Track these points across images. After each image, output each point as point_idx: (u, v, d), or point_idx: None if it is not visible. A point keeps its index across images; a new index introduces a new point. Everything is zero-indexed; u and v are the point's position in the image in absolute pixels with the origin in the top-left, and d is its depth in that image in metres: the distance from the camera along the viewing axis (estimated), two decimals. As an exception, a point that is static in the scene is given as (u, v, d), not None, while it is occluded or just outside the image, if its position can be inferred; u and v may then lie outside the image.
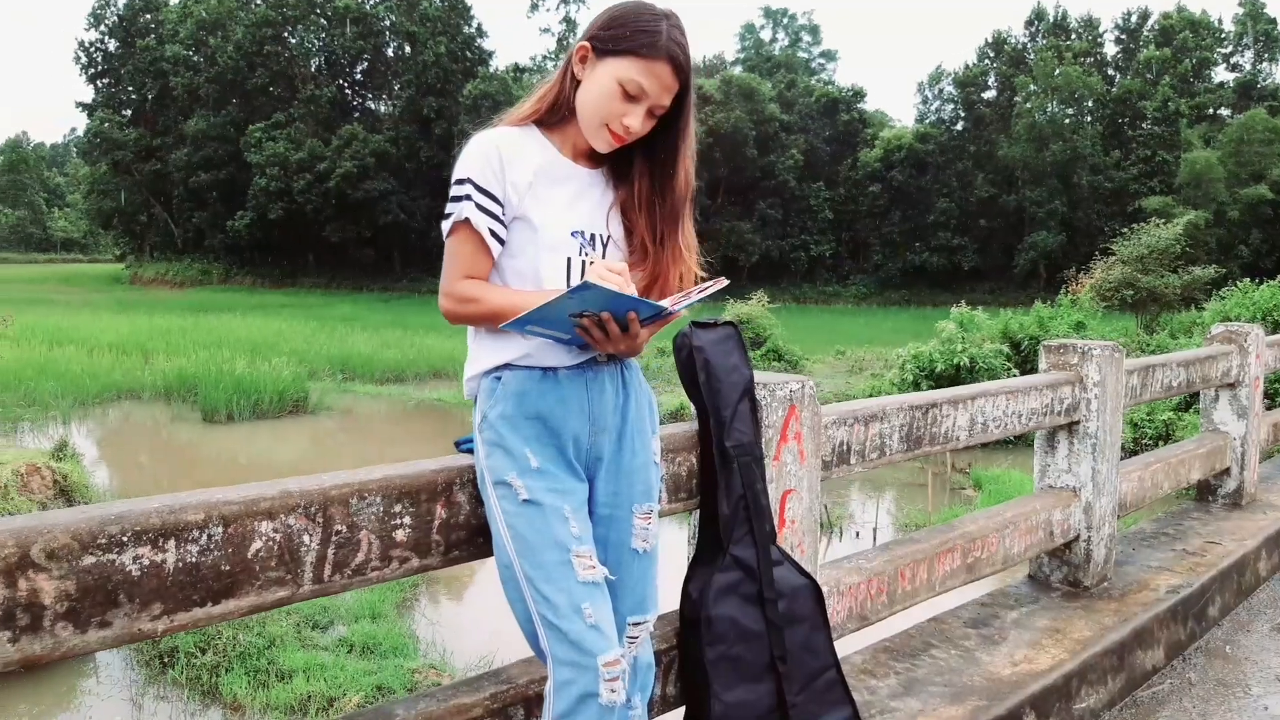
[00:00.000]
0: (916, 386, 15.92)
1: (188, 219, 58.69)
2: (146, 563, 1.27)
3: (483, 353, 1.65)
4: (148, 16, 60.91)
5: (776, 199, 52.08)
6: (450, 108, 52.01)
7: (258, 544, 1.37)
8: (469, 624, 8.85)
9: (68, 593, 1.21)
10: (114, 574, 1.24)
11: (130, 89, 61.61)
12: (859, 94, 56.10)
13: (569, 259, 1.63)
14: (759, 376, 2.08)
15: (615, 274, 1.52)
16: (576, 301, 1.44)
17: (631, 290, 1.52)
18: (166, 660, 8.09)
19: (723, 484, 1.95)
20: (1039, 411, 2.99)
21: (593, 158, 1.71)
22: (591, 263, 1.62)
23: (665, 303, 1.55)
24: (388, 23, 56.81)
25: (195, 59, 56.47)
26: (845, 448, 2.33)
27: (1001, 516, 2.89)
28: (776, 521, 2.07)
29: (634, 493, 1.67)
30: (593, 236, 1.67)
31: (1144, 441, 13.02)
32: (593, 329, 1.51)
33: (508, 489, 1.54)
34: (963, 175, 51.26)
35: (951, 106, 54.44)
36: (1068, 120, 47.40)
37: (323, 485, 1.44)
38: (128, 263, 65.69)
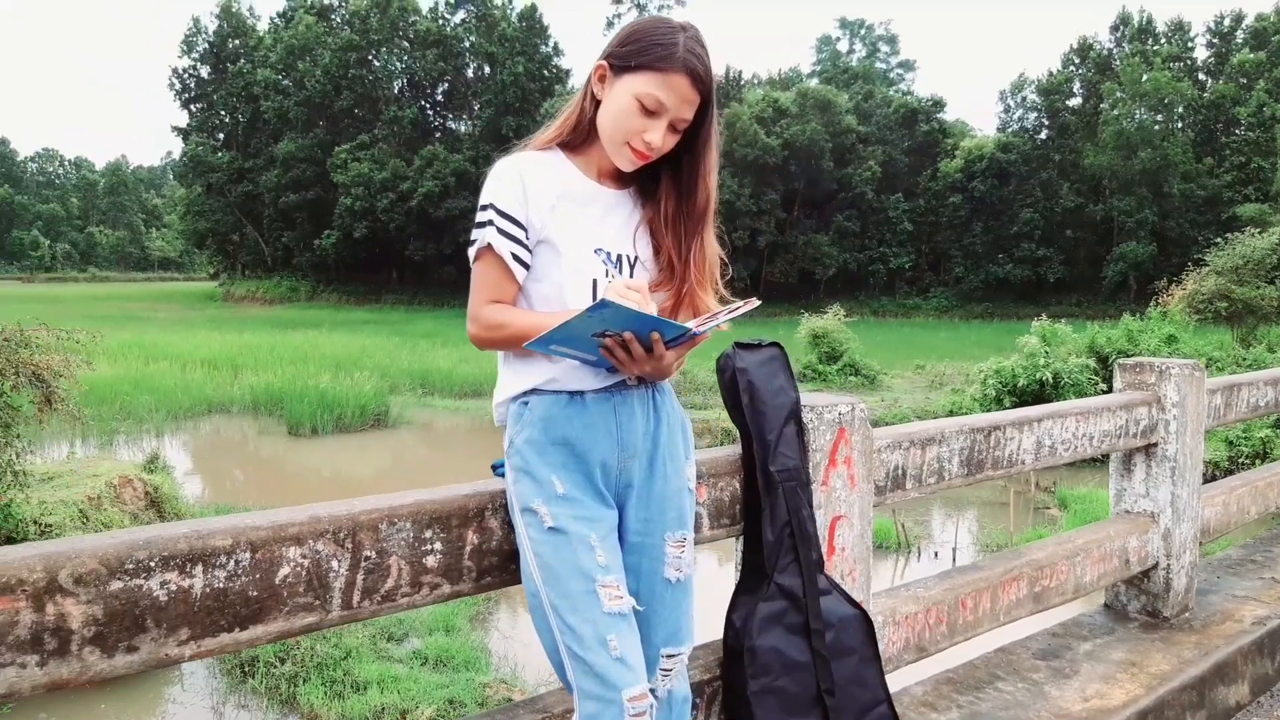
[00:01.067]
0: (999, 402, 15.51)
1: (277, 238, 60.61)
2: (174, 588, 1.28)
3: (510, 378, 1.63)
4: (236, 42, 63.23)
5: (854, 211, 51.48)
6: (529, 126, 52.65)
7: (285, 570, 1.37)
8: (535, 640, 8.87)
9: (95, 617, 1.22)
10: (141, 599, 1.25)
11: (223, 113, 64.00)
12: (938, 104, 55.20)
13: (594, 280, 1.61)
14: (806, 399, 2.02)
15: (633, 291, 1.48)
16: (596, 320, 1.41)
17: (651, 309, 1.49)
18: (247, 669, 8.30)
19: (767, 510, 1.90)
20: (1112, 434, 2.86)
21: (619, 178, 1.69)
22: (611, 281, 1.59)
23: (691, 324, 1.51)
24: (467, 44, 57.98)
25: (285, 83, 58.37)
26: (900, 472, 2.25)
27: (1072, 543, 2.77)
28: (825, 549, 2.01)
29: (666, 520, 1.63)
30: (619, 257, 1.64)
31: (1240, 460, 12.46)
32: (616, 349, 1.48)
33: (534, 516, 1.52)
34: (1047, 185, 49.99)
35: (1035, 115, 53.17)
36: (1157, 127, 45.92)
37: (352, 511, 1.44)
38: (221, 281, 68.08)
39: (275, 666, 8.12)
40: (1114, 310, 33.79)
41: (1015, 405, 14.61)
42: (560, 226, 1.60)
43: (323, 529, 1.40)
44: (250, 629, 1.34)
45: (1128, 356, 3.41)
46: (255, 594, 1.34)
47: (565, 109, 1.69)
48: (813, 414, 1.98)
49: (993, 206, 50.29)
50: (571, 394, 1.58)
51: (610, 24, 56.22)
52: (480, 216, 1.59)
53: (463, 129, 59.84)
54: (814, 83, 59.02)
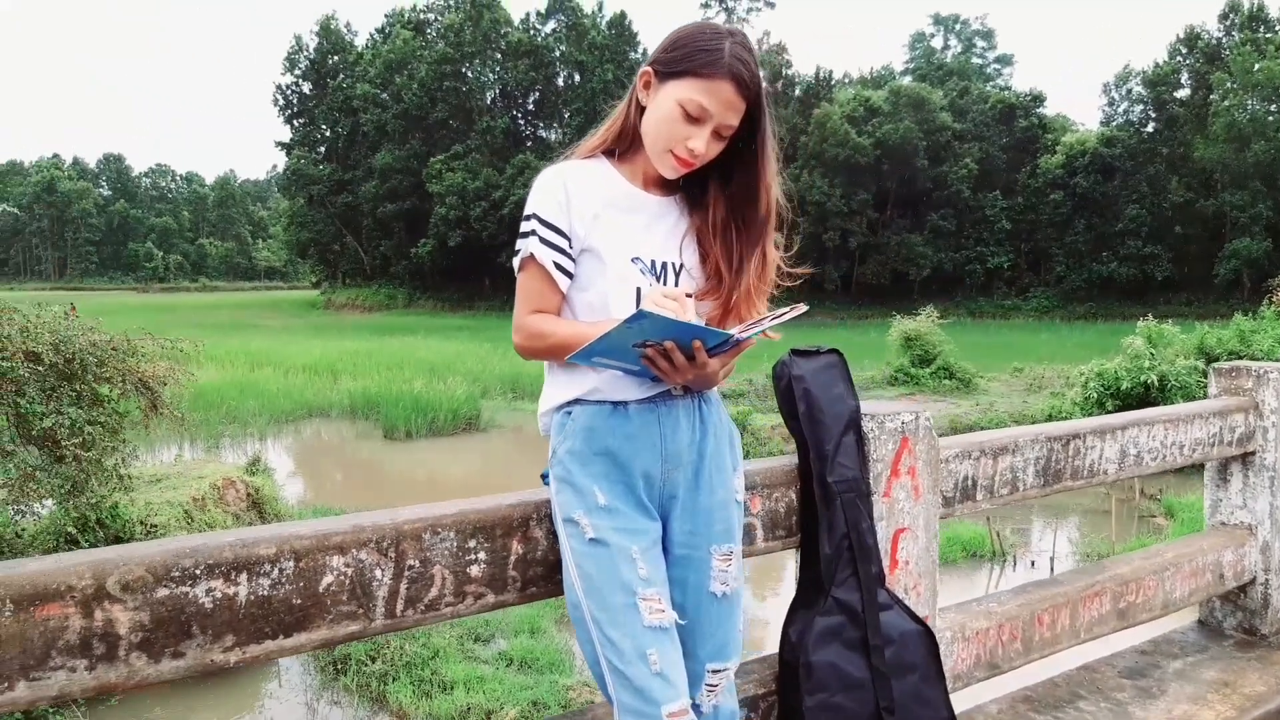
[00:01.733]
0: (1100, 406, 14.94)
1: (375, 247, 62.35)
2: (219, 595, 1.30)
3: (555, 388, 1.62)
4: (335, 58, 65.27)
5: (949, 210, 50.31)
6: (617, 132, 53.12)
7: (329, 578, 1.38)
8: None
9: (142, 624, 1.25)
10: (187, 606, 1.28)
11: (323, 127, 66.16)
12: (1038, 98, 53.55)
13: (639, 289, 1.59)
14: (867, 407, 1.96)
15: (670, 300, 1.46)
16: (635, 330, 1.39)
17: (690, 317, 1.46)
18: (339, 667, 8.53)
19: (824, 522, 1.85)
20: (1205, 442, 2.70)
21: (665, 185, 1.66)
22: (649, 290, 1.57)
23: (733, 330, 1.48)
24: (558, 53, 58.69)
25: (382, 97, 60.03)
26: (970, 483, 2.17)
27: (1161, 557, 2.63)
28: (888, 562, 1.95)
29: (712, 533, 1.59)
30: (664, 265, 1.61)
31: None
32: (658, 359, 1.46)
33: (575, 527, 1.51)
34: (1154, 180, 48.03)
35: (1141, 107, 51.12)
36: (1271, 118, 43.63)
37: (395, 520, 1.45)
38: (322, 289, 70.37)
39: (366, 665, 8.32)
40: (1226, 310, 32.26)
41: (1118, 409, 14.05)
42: (604, 235, 1.58)
43: (366, 538, 1.41)
44: (294, 636, 1.36)
45: (1240, 358, 3.21)
46: (299, 602, 1.36)
47: (611, 116, 1.67)
48: (873, 423, 1.92)
49: (1096, 203, 48.54)
50: (615, 404, 1.56)
51: (698, 28, 56.11)
52: (524, 226, 1.59)
53: (553, 137, 60.58)
54: (907, 80, 57.93)
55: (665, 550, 1.58)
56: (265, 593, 1.34)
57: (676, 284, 1.61)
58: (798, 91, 54.63)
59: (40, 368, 7.68)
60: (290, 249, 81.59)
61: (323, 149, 66.21)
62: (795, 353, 1.94)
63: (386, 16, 66.02)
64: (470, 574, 1.51)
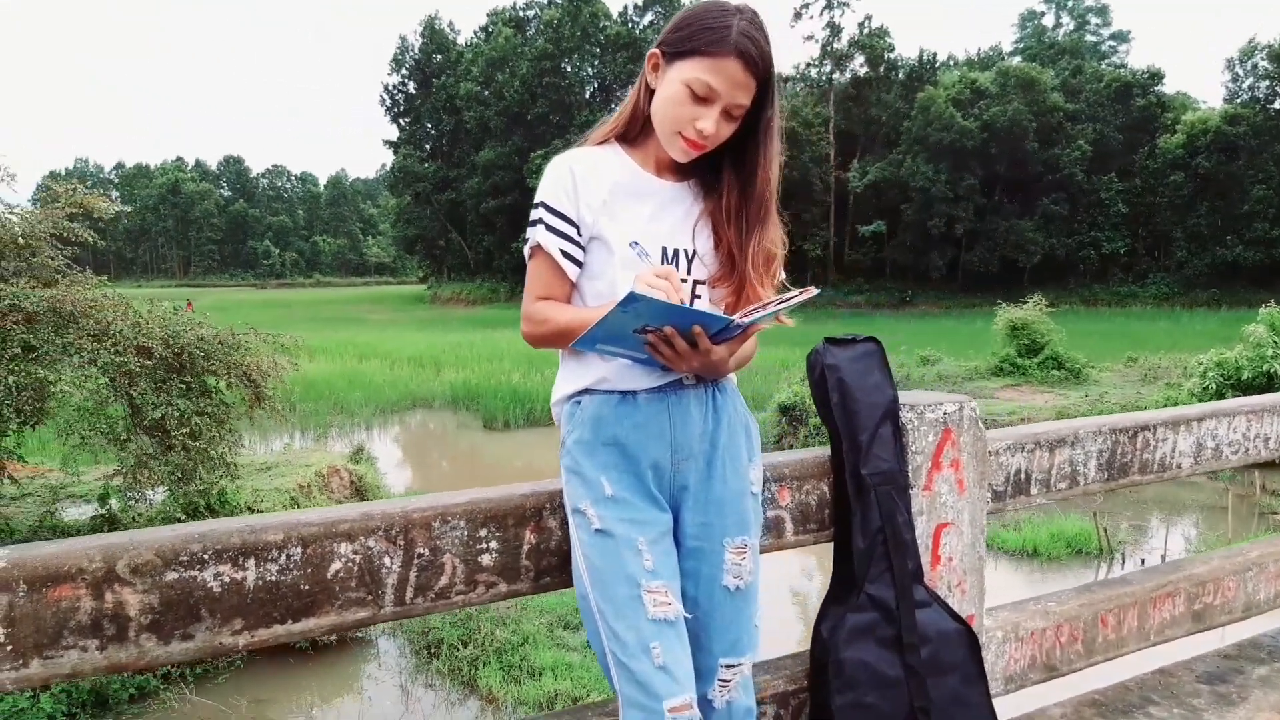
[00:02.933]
0: (1219, 396, 14.19)
1: (479, 242, 63.60)
2: (227, 580, 1.33)
3: (565, 378, 1.61)
4: (439, 57, 66.72)
5: (1061, 194, 48.41)
6: (714, 121, 52.80)
7: (337, 565, 1.40)
8: (767, 614, 8.85)
9: (152, 606, 1.29)
10: (196, 590, 1.32)
11: (428, 125, 67.77)
12: (1156, 76, 50.99)
13: None
14: (907, 397, 1.89)
15: (661, 280, 1.41)
16: (632, 315, 1.35)
17: (683, 299, 1.42)
18: (433, 651, 8.74)
19: (858, 515, 1.79)
20: (1296, 435, 2.52)
21: (678, 170, 1.63)
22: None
23: (735, 315, 1.44)
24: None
25: (485, 94, 61.10)
26: (1023, 476, 2.06)
27: (1244, 557, 2.46)
28: (929, 558, 1.87)
29: (725, 525, 1.55)
30: (676, 252, 1.58)
31: None
32: (660, 345, 1.43)
33: (582, 517, 1.49)
34: (1283, 158, 45.21)
35: (1267, 83, 48.06)
36: None
37: (405, 509, 1.45)
38: (429, 284, 72.24)
39: (458, 650, 8.51)
40: (1364, 295, 30.17)
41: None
42: (613, 222, 1.55)
43: (374, 526, 1.43)
44: (303, 621, 1.39)
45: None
46: (307, 588, 1.38)
47: (624, 101, 1.65)
48: (913, 414, 1.85)
49: (1220, 184, 45.99)
50: (623, 394, 1.54)
51: (798, 15, 55.31)
52: (533, 215, 1.58)
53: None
54: (1016, 61, 55.90)
55: (678, 542, 1.55)
56: (273, 578, 1.36)
57: (690, 271, 1.58)
58: (900, 75, 53.34)
59: (150, 361, 8.08)
60: (398, 245, 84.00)
61: (428, 147, 67.82)
62: (830, 341, 1.88)
63: (488, 15, 67.14)
64: (481, 563, 1.51)
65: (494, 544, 1.52)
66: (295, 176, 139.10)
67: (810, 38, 56.53)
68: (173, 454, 8.06)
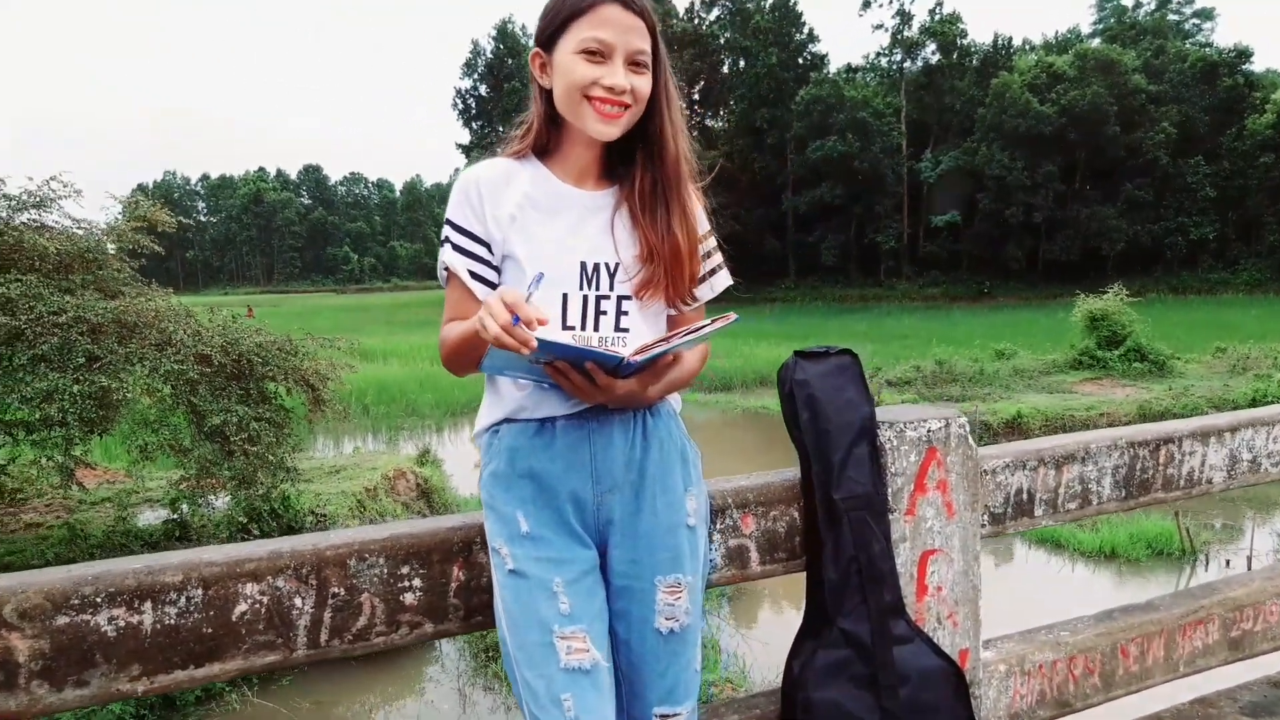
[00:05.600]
0: (1313, 390, 13.45)
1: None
2: (122, 624, 1.27)
3: (485, 408, 1.51)
4: (511, 61, 67.27)
5: (1145, 179, 46.63)
6: (782, 116, 52.30)
7: (242, 606, 1.33)
8: (777, 638, 8.67)
9: (43, 652, 1.24)
10: (89, 634, 1.26)
11: (500, 129, 68.36)
12: (1243, 54, 48.69)
13: (565, 295, 1.44)
14: (886, 414, 1.75)
15: (500, 310, 1.20)
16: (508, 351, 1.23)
17: (566, 336, 1.31)
18: (492, 654, 8.75)
19: (829, 544, 1.65)
20: (1350, 445, 2.29)
21: (601, 178, 1.51)
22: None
23: (622, 352, 1.30)
24: (722, 40, 58.32)
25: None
26: (1026, 497, 1.90)
27: (1289, 579, 2.25)
28: (914, 588, 1.73)
29: (656, 561, 1.42)
30: (596, 267, 1.46)
31: None
32: (558, 377, 1.32)
33: (499, 556, 1.39)
34: (1386, 135, 42.81)
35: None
36: None
37: (317, 546, 1.38)
38: (499, 285, 72.75)
39: (516, 653, 8.48)
40: None
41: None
42: (523, 238, 1.44)
43: (283, 565, 1.35)
44: (206, 666, 1.32)
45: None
46: (210, 631, 1.31)
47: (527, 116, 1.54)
48: (891, 432, 1.70)
49: (1316, 164, 43.82)
50: (541, 422, 1.43)
51: (866, 4, 54.40)
52: (443, 233, 1.48)
53: (718, 125, 60.32)
54: (1095, 43, 54.07)
55: (607, 581, 1.43)
56: (172, 622, 1.30)
57: (612, 286, 1.46)
58: (974, 62, 52.04)
59: (210, 369, 8.24)
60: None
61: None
62: (800, 355, 1.75)
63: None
64: (404, 602, 1.42)
65: (417, 582, 1.43)
66: (372, 183, 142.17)
67: (880, 26, 55.59)
68: (233, 459, 8.21)
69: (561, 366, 1.30)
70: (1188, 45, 52.60)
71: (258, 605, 1.34)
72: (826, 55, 57.42)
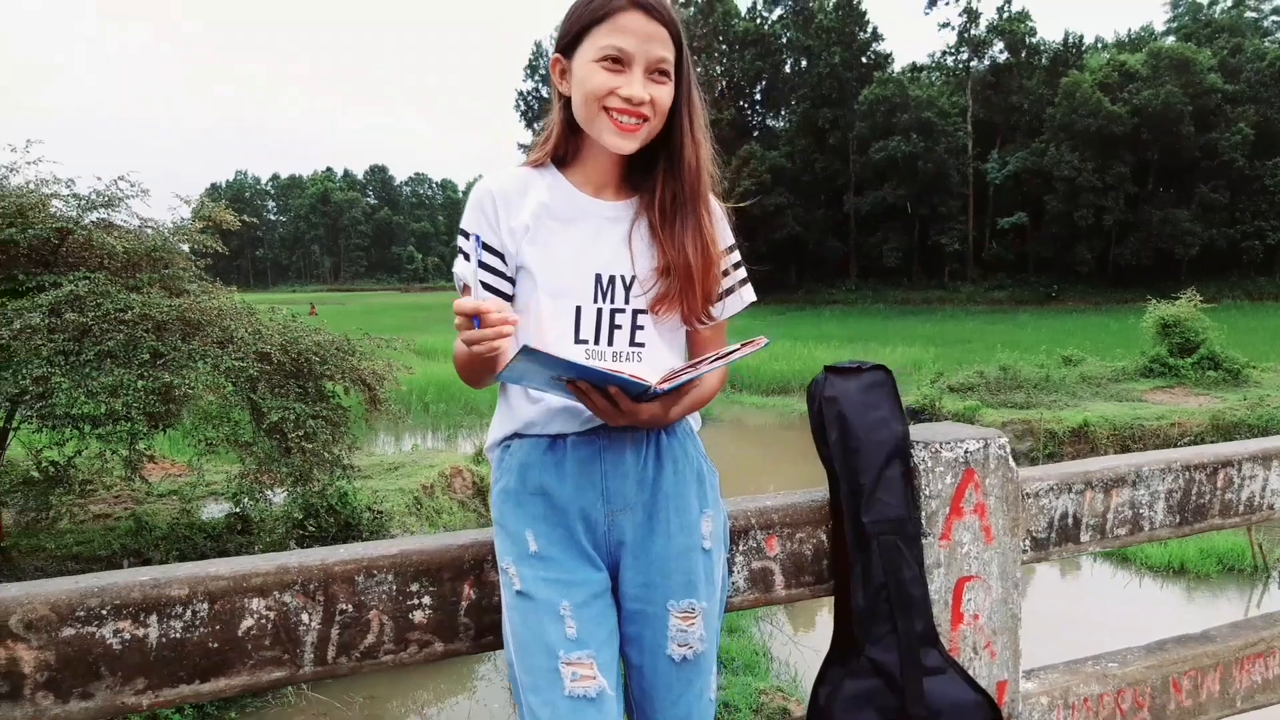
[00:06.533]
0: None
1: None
2: (128, 637, 1.26)
3: (497, 422, 1.47)
4: (572, 63, 67.54)
5: (1221, 181, 45.10)
6: (845, 116, 51.71)
7: (249, 621, 1.31)
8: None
9: (48, 663, 1.23)
10: (94, 647, 1.25)
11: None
12: (1329, 51, 46.86)
13: (578, 307, 1.40)
14: (921, 433, 1.67)
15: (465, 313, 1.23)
16: (539, 365, 1.20)
17: (568, 354, 1.27)
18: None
19: (858, 568, 1.59)
20: None
21: (621, 189, 1.47)
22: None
23: (648, 380, 1.26)
24: (785, 40, 57.90)
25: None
26: (1071, 521, 1.81)
27: (1360, 613, 2.12)
28: (949, 616, 1.65)
29: (670, 586, 1.37)
30: (611, 280, 1.41)
31: None
32: (580, 397, 1.28)
33: (506, 576, 1.35)
34: None
35: None
36: None
37: (325, 561, 1.35)
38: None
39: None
40: None
41: None
42: (536, 249, 1.41)
43: (290, 580, 1.33)
44: (212, 681, 1.30)
45: None
46: (216, 645, 1.30)
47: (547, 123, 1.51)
48: (925, 452, 1.63)
49: None
50: (553, 438, 1.39)
51: (932, 2, 53.53)
52: (457, 243, 1.45)
53: (780, 125, 59.90)
54: (1169, 41, 52.50)
55: (619, 604, 1.39)
56: (178, 635, 1.28)
57: (628, 300, 1.41)
58: (1043, 60, 50.91)
59: (269, 366, 8.39)
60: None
61: (562, 151, 68.80)
62: (831, 370, 1.68)
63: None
64: (413, 620, 1.40)
65: (427, 600, 1.40)
66: (436, 184, 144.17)
67: (946, 25, 54.75)
68: (290, 456, 8.35)
69: (584, 387, 1.26)
70: (1266, 43, 50.72)
71: (264, 621, 1.32)
72: (891, 54, 56.59)
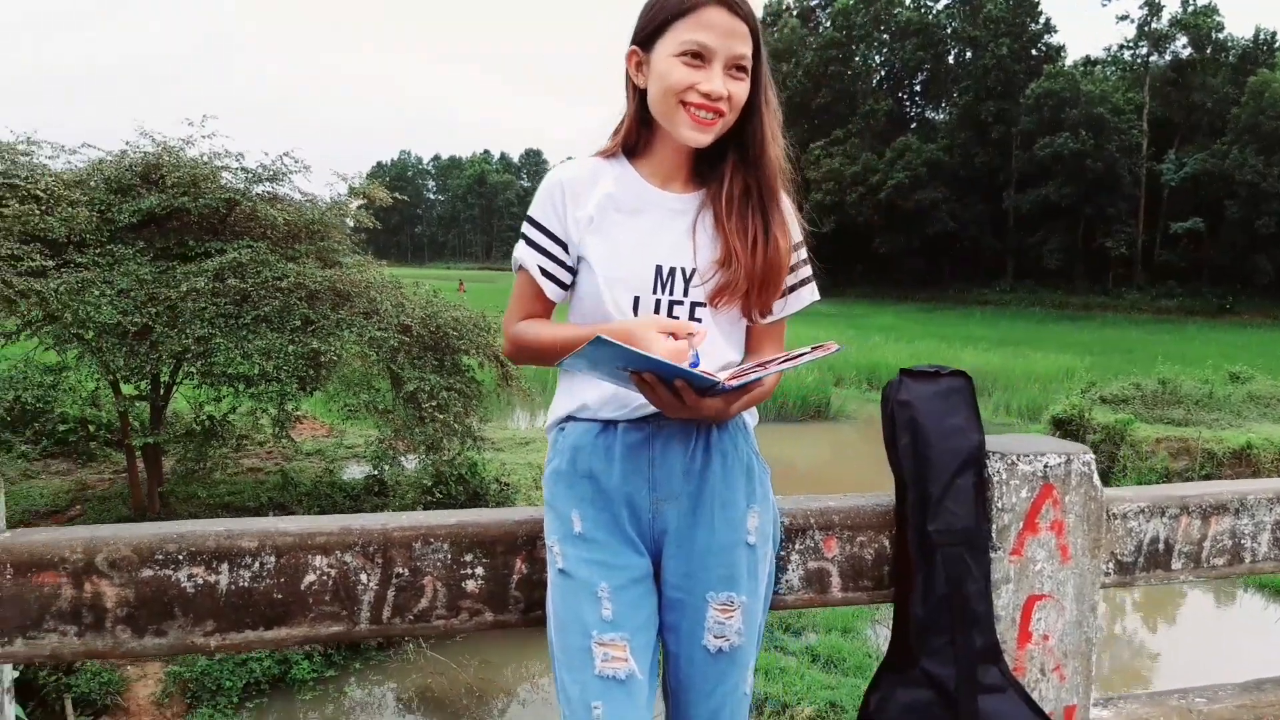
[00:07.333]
0: None
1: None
2: (200, 582, 1.36)
3: (556, 404, 1.50)
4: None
5: None
6: (1010, 110, 49.61)
7: (311, 577, 1.39)
8: None
9: (127, 600, 1.34)
10: (169, 589, 1.35)
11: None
12: None
13: (637, 298, 1.41)
14: (999, 444, 1.61)
15: (665, 333, 1.29)
16: (606, 355, 1.21)
17: (666, 351, 1.26)
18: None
19: (920, 578, 1.55)
20: None
21: (690, 181, 1.47)
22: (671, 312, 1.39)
23: (720, 376, 1.26)
24: (949, 30, 55.97)
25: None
26: (1161, 546, 1.70)
27: None
28: (1016, 634, 1.59)
29: (710, 578, 1.37)
30: (671, 271, 1.41)
31: None
32: (644, 390, 1.28)
33: (551, 554, 1.38)
34: None
35: None
36: None
37: (385, 526, 1.42)
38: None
39: (662, 638, 8.56)
40: None
41: None
42: (598, 239, 1.42)
43: (352, 541, 1.40)
44: (275, 630, 1.39)
45: None
46: (280, 597, 1.38)
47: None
48: (1001, 464, 1.57)
49: None
50: (605, 423, 1.41)
51: (1112, -9, 50.60)
52: (522, 228, 1.49)
53: (939, 118, 58.01)
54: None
55: (661, 592, 1.40)
56: (246, 584, 1.37)
57: (687, 292, 1.42)
58: (1230, 57, 47.44)
59: (408, 338, 8.75)
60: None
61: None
62: (906, 373, 1.64)
63: (765, 7, 66.93)
64: (465, 589, 1.45)
65: (480, 570, 1.45)
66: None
67: (1124, 18, 51.61)
68: (424, 425, 8.69)
69: (650, 379, 1.27)
70: None
71: (325, 577, 1.39)
72: (1063, 47, 53.94)
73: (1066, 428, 15.51)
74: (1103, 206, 47.35)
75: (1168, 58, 49.76)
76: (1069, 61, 53.54)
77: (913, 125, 57.94)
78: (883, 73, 59.80)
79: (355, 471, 11.36)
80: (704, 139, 1.40)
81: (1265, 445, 13.85)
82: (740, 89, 1.39)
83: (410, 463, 9.87)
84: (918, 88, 59.66)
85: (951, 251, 52.58)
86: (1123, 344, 29.38)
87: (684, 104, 1.38)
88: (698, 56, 1.35)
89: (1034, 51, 52.70)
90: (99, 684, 6.56)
